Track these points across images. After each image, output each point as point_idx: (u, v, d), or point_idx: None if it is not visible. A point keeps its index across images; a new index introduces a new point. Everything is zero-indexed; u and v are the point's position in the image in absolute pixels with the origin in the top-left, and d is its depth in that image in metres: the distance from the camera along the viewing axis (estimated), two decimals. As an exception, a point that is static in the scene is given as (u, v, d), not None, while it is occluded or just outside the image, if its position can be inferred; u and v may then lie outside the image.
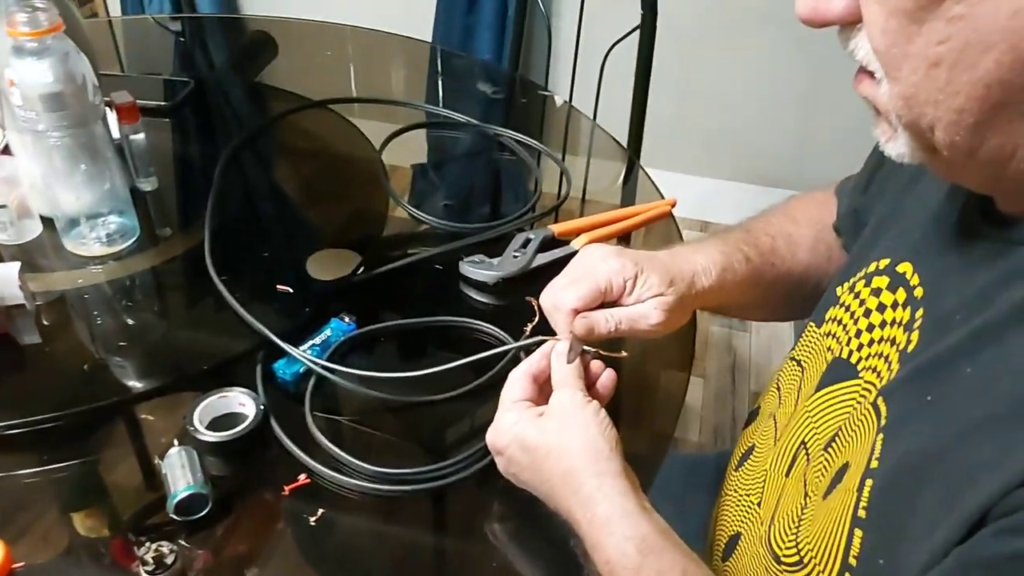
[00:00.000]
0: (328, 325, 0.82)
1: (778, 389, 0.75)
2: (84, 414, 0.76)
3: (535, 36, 2.22)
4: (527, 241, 0.95)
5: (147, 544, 0.57)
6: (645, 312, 0.69)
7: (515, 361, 0.79)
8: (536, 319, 0.80)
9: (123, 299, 0.88)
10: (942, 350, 0.51)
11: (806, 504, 0.61)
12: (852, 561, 0.53)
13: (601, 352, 0.68)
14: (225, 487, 0.69)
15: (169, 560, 0.56)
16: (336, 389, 0.79)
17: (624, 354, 0.72)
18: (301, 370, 0.78)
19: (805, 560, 0.58)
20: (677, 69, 2.19)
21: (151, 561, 0.56)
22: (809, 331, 0.72)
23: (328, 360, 0.78)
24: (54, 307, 0.87)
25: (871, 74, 0.49)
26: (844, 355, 0.63)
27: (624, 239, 1.02)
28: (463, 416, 0.78)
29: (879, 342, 0.60)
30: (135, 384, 0.79)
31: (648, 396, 0.85)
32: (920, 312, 0.56)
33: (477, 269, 0.91)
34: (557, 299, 0.69)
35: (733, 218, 0.86)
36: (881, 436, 0.54)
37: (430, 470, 0.71)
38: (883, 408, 0.55)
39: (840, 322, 0.66)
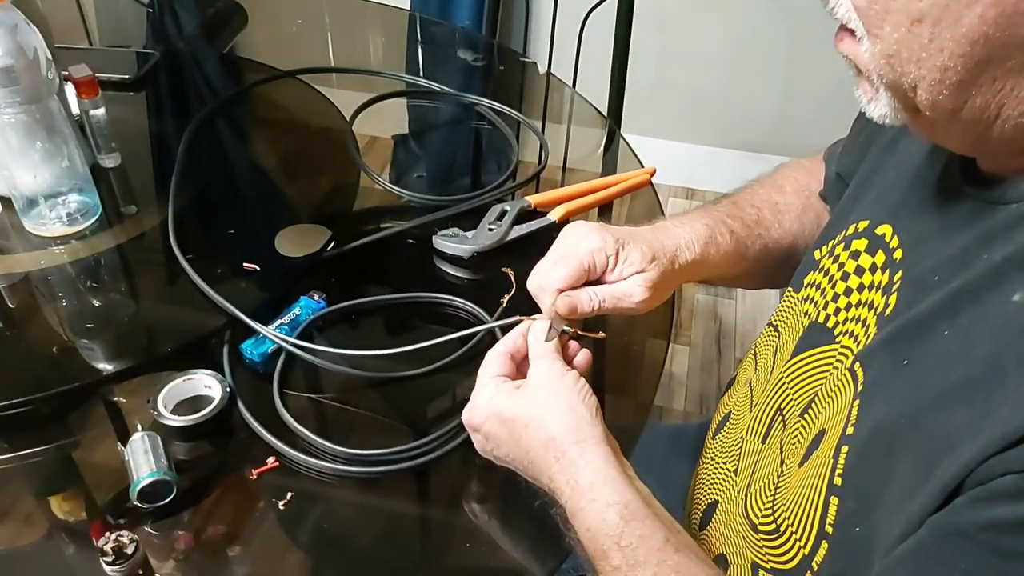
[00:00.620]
0: (297, 303, 0.80)
1: (755, 355, 0.74)
2: (46, 400, 0.74)
3: (513, 3, 2.18)
4: (503, 213, 0.93)
5: (106, 534, 0.55)
6: (628, 290, 0.68)
7: (491, 338, 0.77)
8: (513, 290, 0.78)
9: (87, 280, 0.86)
10: (920, 312, 0.51)
11: (783, 471, 0.60)
12: (828, 529, 0.52)
13: (580, 331, 0.68)
14: (192, 472, 0.67)
15: (129, 550, 0.54)
16: (305, 369, 0.77)
17: (602, 334, 0.71)
18: (269, 350, 0.76)
19: (782, 528, 0.57)
20: (657, 34, 2.15)
21: (110, 552, 0.54)
22: (787, 296, 0.71)
23: (298, 340, 0.76)
24: (16, 289, 0.84)
25: (852, 32, 0.48)
26: (821, 319, 0.62)
27: (605, 209, 1.00)
28: (435, 394, 0.77)
29: (857, 306, 0.59)
30: (99, 367, 0.77)
31: (630, 366, 0.83)
32: (899, 275, 0.55)
33: (451, 243, 0.89)
34: (542, 281, 0.69)
35: (718, 184, 0.84)
36: (858, 402, 0.53)
37: (402, 450, 0.69)
38: (860, 373, 0.54)
39: (818, 286, 0.65)
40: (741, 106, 2.30)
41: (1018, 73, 0.43)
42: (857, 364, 0.55)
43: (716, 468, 0.73)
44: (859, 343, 0.57)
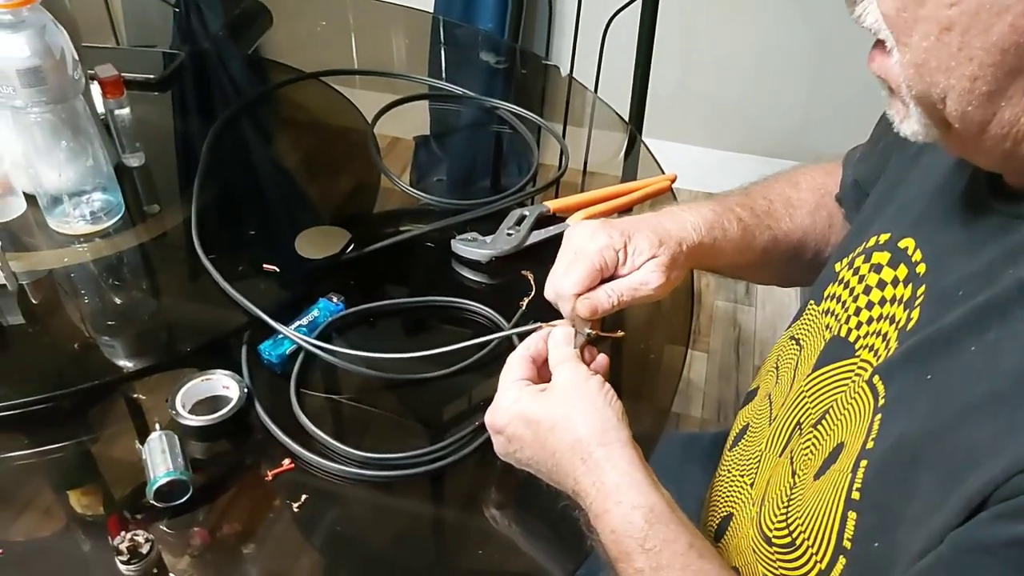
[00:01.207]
0: (316, 305, 0.80)
1: (776, 369, 0.74)
2: (67, 396, 0.74)
3: (537, 6, 2.18)
4: (522, 218, 0.93)
5: (122, 533, 0.55)
6: (643, 278, 0.68)
7: (508, 343, 0.77)
8: (533, 293, 0.78)
9: (110, 278, 0.87)
10: (944, 327, 0.50)
11: (795, 483, 0.60)
12: (847, 544, 0.52)
13: (600, 332, 0.68)
14: (209, 472, 0.68)
15: (144, 550, 0.55)
16: (323, 371, 0.77)
17: (621, 333, 0.72)
18: (287, 352, 0.76)
19: (797, 542, 0.57)
20: (680, 39, 2.15)
21: (125, 551, 0.55)
22: (809, 309, 0.70)
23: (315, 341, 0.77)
24: (40, 286, 0.85)
25: (883, 48, 0.47)
26: (842, 333, 0.61)
27: (625, 215, 1.00)
28: (452, 398, 0.77)
29: (878, 320, 0.58)
30: (120, 364, 0.78)
31: (648, 372, 0.83)
32: (922, 289, 0.54)
33: (469, 247, 0.89)
34: (558, 288, 0.69)
35: (738, 191, 0.84)
36: (879, 416, 0.52)
37: (418, 454, 0.69)
38: (880, 387, 0.54)
39: (839, 299, 0.64)
40: (763, 112, 2.29)
41: None
42: (876, 378, 0.54)
43: (732, 481, 0.72)
44: (879, 357, 0.56)
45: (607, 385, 0.62)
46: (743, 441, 0.73)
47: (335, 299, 0.81)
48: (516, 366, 0.65)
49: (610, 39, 1.46)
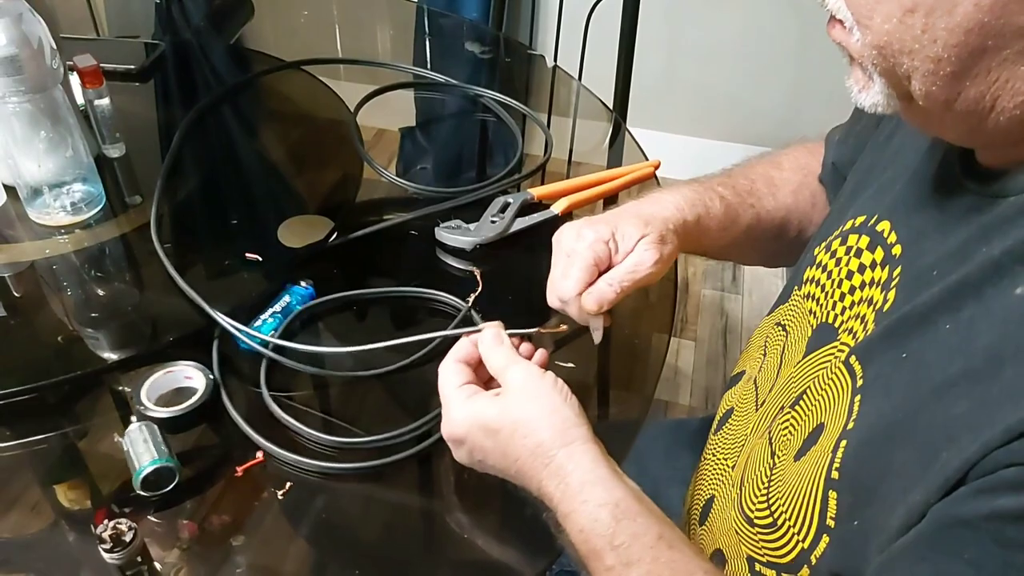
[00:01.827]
0: (286, 292, 0.80)
1: (764, 354, 0.74)
2: (50, 388, 0.74)
3: (521, -5, 2.17)
4: (506, 205, 0.92)
5: (105, 522, 0.55)
6: (638, 259, 0.69)
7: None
8: (479, 290, 0.79)
9: (91, 269, 0.86)
10: (918, 306, 0.50)
11: (775, 464, 0.60)
12: (830, 523, 0.52)
13: (542, 329, 0.70)
14: (190, 463, 0.67)
15: (127, 538, 0.54)
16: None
17: (564, 327, 0.73)
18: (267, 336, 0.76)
19: (779, 522, 0.57)
20: (663, 26, 2.14)
21: (108, 539, 0.54)
22: (794, 295, 0.71)
23: (289, 328, 0.77)
24: (21, 278, 0.84)
25: (842, 24, 0.47)
26: (829, 320, 0.62)
27: (609, 202, 1.00)
28: (418, 388, 0.76)
29: (858, 303, 0.59)
30: (103, 355, 0.77)
31: (633, 360, 0.83)
32: (898, 271, 0.55)
33: (453, 234, 0.89)
34: (560, 293, 0.69)
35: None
36: (859, 397, 0.53)
37: (384, 438, 0.69)
38: (858, 368, 0.54)
39: (819, 283, 0.64)
40: (748, 100, 2.29)
41: (1013, 63, 0.42)
42: (853, 358, 0.54)
43: (716, 464, 0.72)
44: (856, 338, 0.56)
45: (560, 381, 0.61)
46: (727, 425, 0.74)
47: (304, 284, 0.81)
48: (453, 373, 0.63)
49: (594, 27, 1.46)
